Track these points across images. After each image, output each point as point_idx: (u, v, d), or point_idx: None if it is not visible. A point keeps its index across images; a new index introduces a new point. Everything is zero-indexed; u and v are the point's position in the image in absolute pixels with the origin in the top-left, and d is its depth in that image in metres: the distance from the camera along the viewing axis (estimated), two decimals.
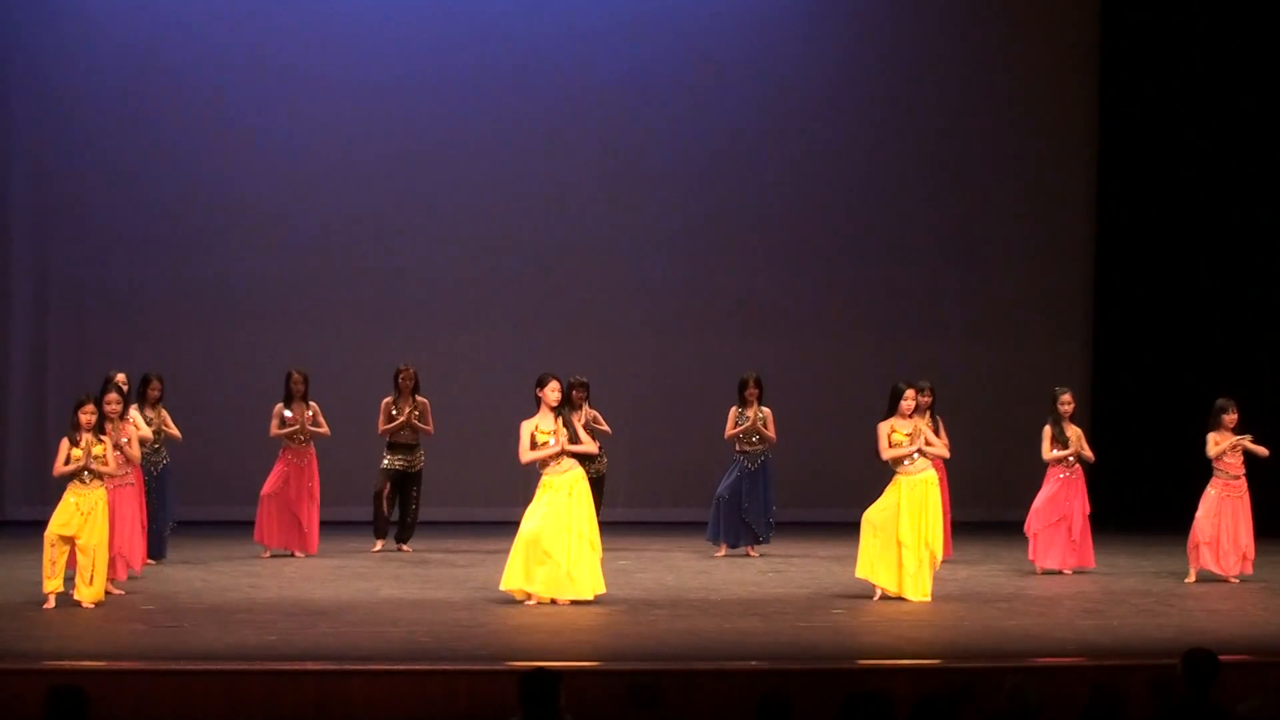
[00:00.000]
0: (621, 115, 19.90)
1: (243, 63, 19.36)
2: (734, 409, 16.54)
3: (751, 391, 16.46)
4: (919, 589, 13.54)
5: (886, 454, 13.71)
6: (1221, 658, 8.33)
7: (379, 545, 16.66)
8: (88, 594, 12.75)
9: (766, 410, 16.52)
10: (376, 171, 19.56)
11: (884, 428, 13.76)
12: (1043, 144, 20.37)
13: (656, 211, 19.95)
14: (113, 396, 13.48)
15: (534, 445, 13.24)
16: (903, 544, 13.53)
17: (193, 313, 19.23)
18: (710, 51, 20.00)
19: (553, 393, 13.26)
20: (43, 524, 13.13)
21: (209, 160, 19.29)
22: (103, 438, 13.02)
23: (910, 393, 13.82)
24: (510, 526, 13.60)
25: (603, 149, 19.89)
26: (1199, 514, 15.01)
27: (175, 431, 15.48)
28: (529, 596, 13.18)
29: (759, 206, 20.10)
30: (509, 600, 13.26)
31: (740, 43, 20.07)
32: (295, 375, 16.38)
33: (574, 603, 13.13)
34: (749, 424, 16.44)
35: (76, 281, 19.29)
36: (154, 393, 15.46)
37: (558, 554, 13.15)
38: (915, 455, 13.70)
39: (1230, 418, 14.97)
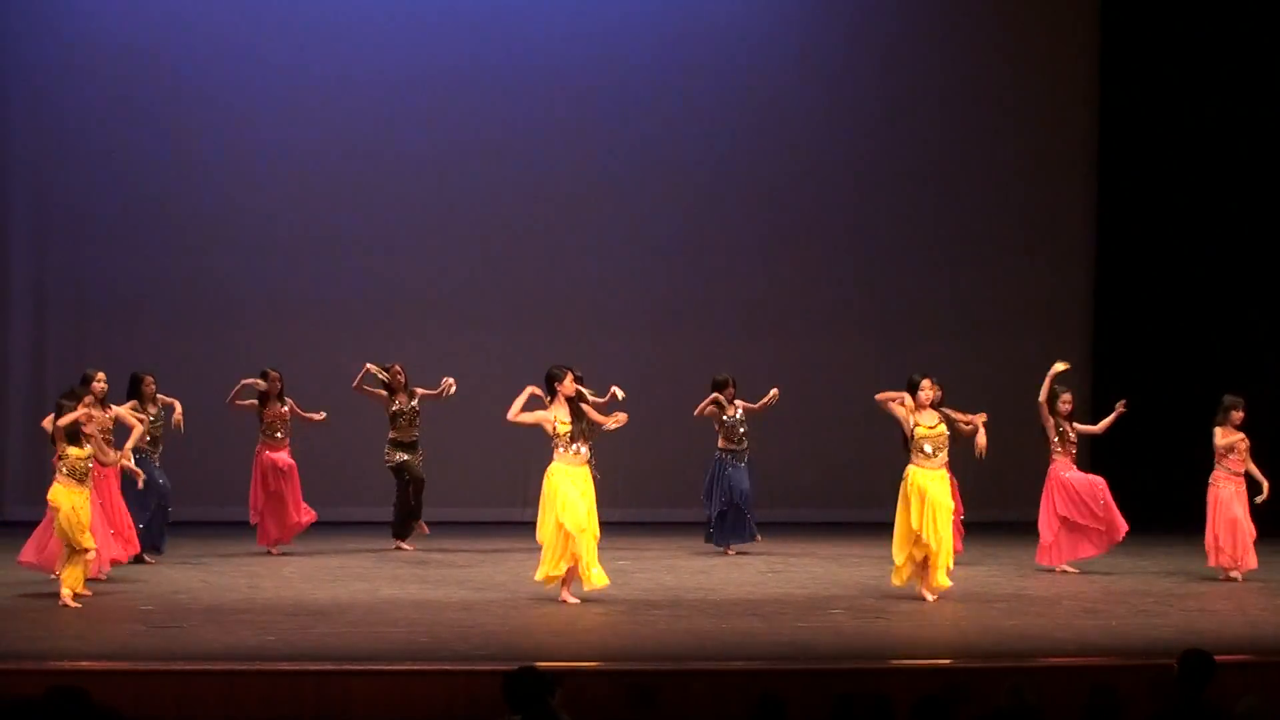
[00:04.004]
0: (620, 116, 19.88)
1: (239, 65, 19.34)
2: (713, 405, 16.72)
3: (731, 391, 16.62)
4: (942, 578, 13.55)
5: (907, 425, 13.64)
6: (1220, 658, 8.34)
7: (422, 529, 16.69)
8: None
9: (741, 403, 16.77)
10: (374, 172, 19.54)
11: (908, 418, 13.69)
12: (1043, 144, 20.34)
13: (655, 212, 19.93)
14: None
15: (555, 434, 13.18)
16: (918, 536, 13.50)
17: (192, 313, 19.21)
18: (709, 52, 19.97)
19: (571, 384, 13.33)
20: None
21: (207, 161, 19.27)
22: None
23: (926, 382, 13.74)
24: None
25: (601, 150, 19.86)
26: (1221, 509, 14.89)
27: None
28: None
29: (757, 207, 20.07)
30: (508, 600, 13.26)
31: (739, 43, 20.04)
32: (271, 374, 16.39)
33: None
34: (739, 419, 16.58)
35: (76, 281, 19.29)
36: (149, 389, 15.68)
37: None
38: (936, 451, 13.62)
39: (1238, 415, 14.92)
